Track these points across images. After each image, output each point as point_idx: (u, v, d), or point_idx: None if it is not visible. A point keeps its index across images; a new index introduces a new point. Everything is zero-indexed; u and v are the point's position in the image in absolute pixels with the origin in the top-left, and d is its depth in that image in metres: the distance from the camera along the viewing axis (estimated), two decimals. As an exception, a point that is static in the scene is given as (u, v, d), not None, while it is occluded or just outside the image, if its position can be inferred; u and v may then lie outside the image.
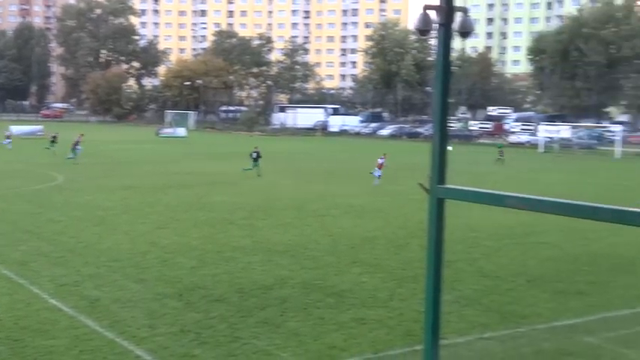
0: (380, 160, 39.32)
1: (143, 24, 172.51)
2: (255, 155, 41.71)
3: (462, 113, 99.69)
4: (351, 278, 17.62)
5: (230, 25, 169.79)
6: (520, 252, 21.49)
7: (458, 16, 4.67)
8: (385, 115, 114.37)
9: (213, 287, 16.35)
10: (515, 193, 3.91)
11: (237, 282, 16.92)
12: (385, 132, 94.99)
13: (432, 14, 4.41)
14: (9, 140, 58.64)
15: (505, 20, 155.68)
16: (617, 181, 44.03)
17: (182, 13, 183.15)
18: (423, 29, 4.72)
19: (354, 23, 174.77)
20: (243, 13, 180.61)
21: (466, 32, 4.87)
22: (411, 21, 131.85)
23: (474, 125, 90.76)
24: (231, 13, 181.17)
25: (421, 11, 4.73)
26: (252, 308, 14.81)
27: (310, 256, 20.03)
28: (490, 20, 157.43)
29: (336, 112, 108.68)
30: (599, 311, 15.49)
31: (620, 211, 3.37)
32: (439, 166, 4.62)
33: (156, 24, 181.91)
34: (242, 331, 13.38)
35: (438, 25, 4.42)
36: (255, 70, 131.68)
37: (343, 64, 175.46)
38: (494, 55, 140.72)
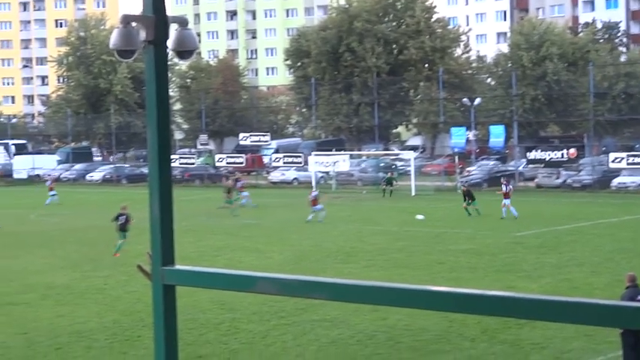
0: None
1: None
2: None
3: (202, 144, 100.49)
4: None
5: None
6: (294, 335, 22.00)
7: (173, 31, 4.73)
8: (94, 150, 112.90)
9: None
10: (270, 274, 4.00)
11: None
12: (97, 175, 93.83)
13: (139, 28, 4.42)
14: None
15: (252, 13, 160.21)
16: (408, 228, 46.47)
17: None
18: (125, 49, 4.70)
19: (40, 20, 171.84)
20: None
21: (186, 51, 4.92)
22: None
23: (222, 160, 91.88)
24: None
25: (120, 25, 4.71)
26: None
27: (-7, 368, 19.45)
28: (232, 14, 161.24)
29: (22, 151, 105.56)
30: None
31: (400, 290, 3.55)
32: (163, 237, 4.60)
33: None
34: None
35: (145, 43, 4.44)
36: None
37: (27, 80, 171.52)
38: (241, 61, 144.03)
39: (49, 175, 79.37)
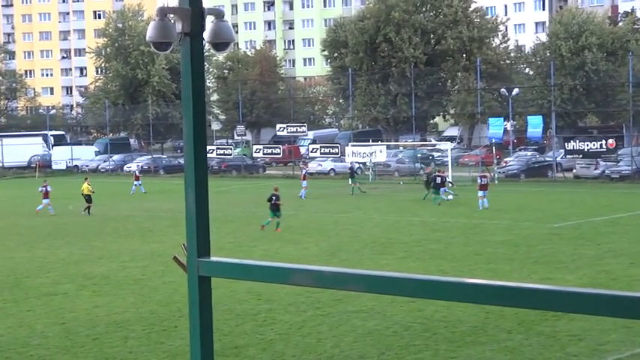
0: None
1: None
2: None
3: (239, 134, 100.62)
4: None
5: None
6: (330, 326, 22.04)
7: (209, 22, 4.74)
8: (132, 141, 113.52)
9: None
10: (306, 266, 3.99)
11: None
12: (134, 166, 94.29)
13: (175, 20, 4.44)
14: None
15: (289, 4, 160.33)
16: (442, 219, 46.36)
17: None
18: (161, 41, 4.72)
19: (79, 12, 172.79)
20: None
21: (222, 43, 4.93)
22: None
23: (259, 150, 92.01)
24: None
25: (156, 17, 4.72)
26: None
27: (35, 357, 19.77)
28: (269, 5, 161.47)
29: (60, 142, 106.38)
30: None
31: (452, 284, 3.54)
32: (198, 229, 4.62)
33: None
34: None
35: (181, 35, 4.45)
36: None
37: (66, 71, 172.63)
38: (278, 52, 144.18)
39: (138, 167, 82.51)
